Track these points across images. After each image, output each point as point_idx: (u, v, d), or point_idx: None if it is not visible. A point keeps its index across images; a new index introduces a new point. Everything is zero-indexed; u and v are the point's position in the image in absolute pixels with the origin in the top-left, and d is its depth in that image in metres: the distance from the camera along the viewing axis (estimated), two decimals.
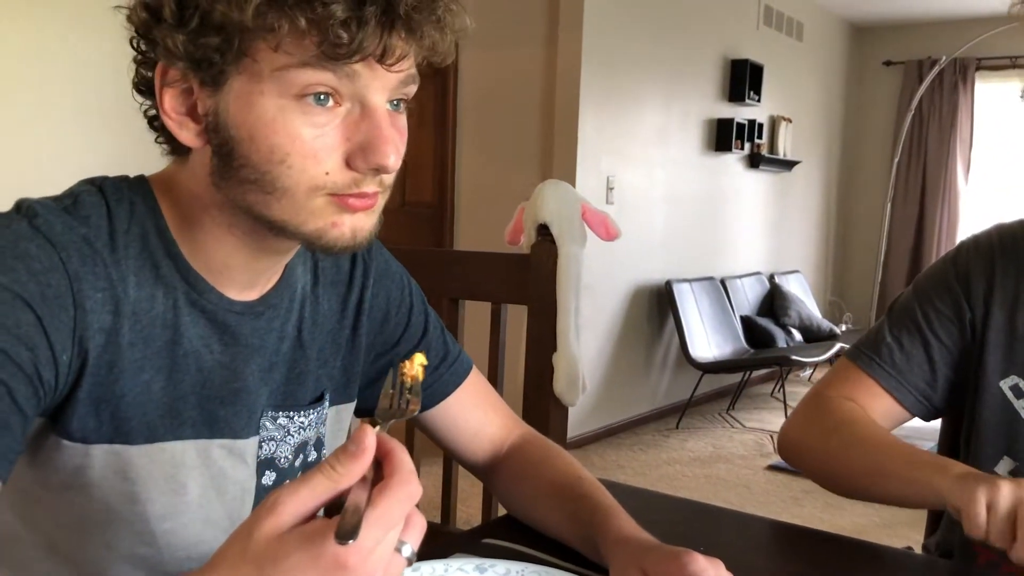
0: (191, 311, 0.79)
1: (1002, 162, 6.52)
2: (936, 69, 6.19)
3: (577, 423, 4.49)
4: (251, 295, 0.83)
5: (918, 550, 1.25)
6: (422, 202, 4.80)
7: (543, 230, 1.89)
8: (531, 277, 1.81)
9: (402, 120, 0.75)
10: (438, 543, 0.89)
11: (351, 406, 0.97)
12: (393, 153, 0.71)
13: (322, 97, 0.69)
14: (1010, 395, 1.07)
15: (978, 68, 6.58)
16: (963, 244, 1.17)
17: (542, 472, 0.98)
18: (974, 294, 1.10)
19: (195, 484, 0.81)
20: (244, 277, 0.81)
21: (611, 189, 4.62)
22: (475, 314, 1.88)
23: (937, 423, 1.28)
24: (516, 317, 1.84)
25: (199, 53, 0.68)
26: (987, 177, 6.67)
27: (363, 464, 0.55)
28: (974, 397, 1.10)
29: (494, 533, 0.95)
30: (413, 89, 0.74)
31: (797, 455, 1.17)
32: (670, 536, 0.83)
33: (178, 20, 0.68)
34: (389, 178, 0.75)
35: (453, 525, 1.82)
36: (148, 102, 0.75)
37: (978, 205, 6.59)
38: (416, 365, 0.63)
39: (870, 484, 1.06)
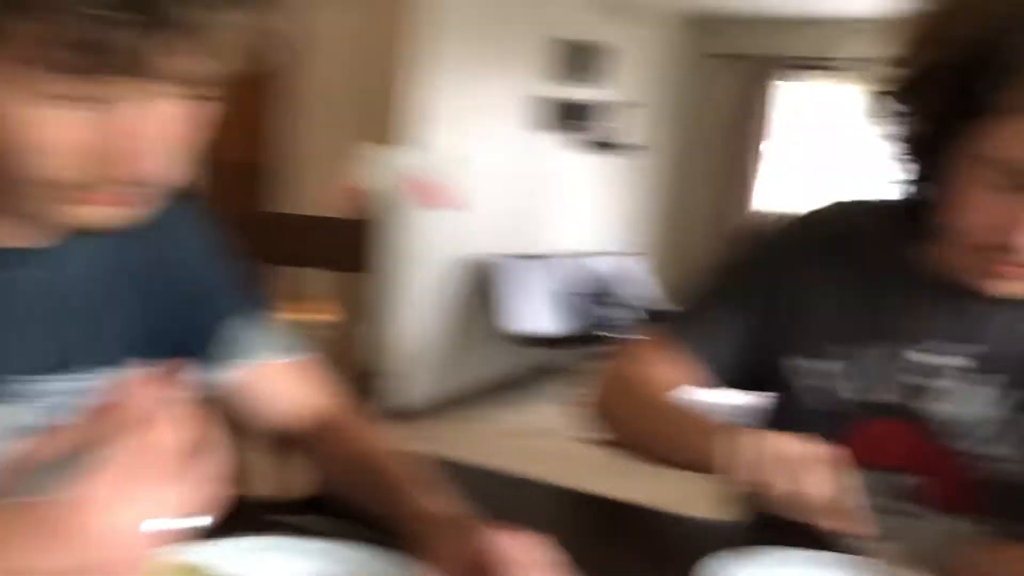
0: None
1: (808, 156, 6.95)
2: (759, 65, 6.51)
3: (402, 396, 4.44)
4: (34, 242, 0.73)
5: None
6: (243, 162, 4.58)
7: (374, 197, 1.82)
8: (357, 244, 1.75)
9: (189, 111, 0.64)
10: (232, 520, 0.82)
11: (150, 368, 0.88)
12: (150, 164, 0.62)
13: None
14: (819, 378, 1.10)
15: (792, 67, 6.97)
16: (778, 222, 1.19)
17: (348, 446, 0.94)
18: (784, 273, 1.12)
19: None
20: (21, 228, 0.71)
21: (443, 160, 4.57)
22: (298, 281, 1.79)
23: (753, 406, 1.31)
24: (342, 285, 1.78)
25: None
26: (795, 169, 7.10)
27: (99, 414, 0.51)
28: (785, 379, 1.12)
29: (295, 510, 0.89)
30: (214, 78, 0.63)
31: (599, 420, 1.18)
32: (483, 509, 0.80)
33: None
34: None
35: (249, 501, 1.74)
36: None
37: (793, 194, 6.99)
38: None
39: (657, 450, 1.08)
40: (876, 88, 1.00)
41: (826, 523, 0.86)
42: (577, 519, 1.06)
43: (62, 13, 0.53)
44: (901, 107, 0.99)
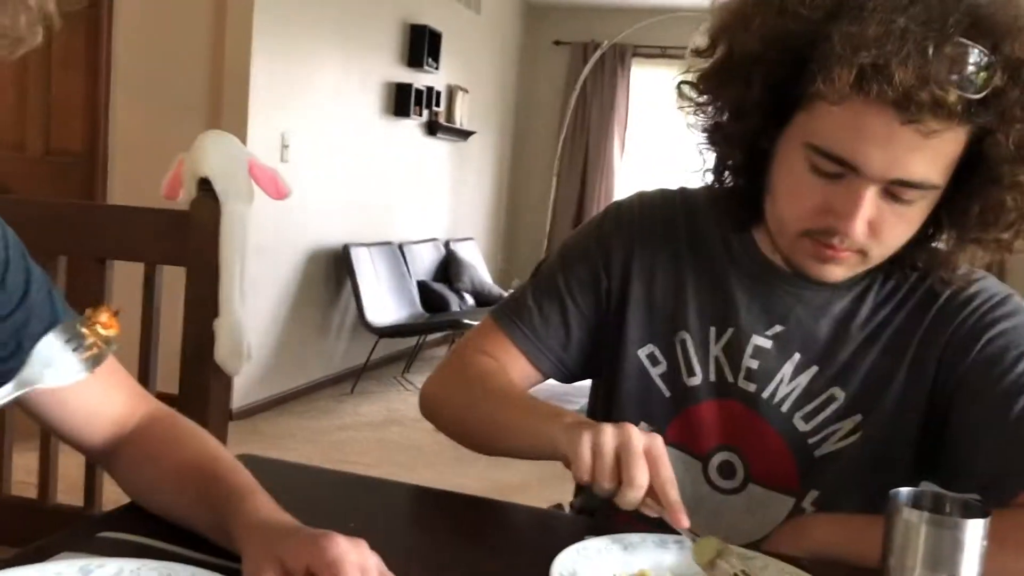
0: None
1: (652, 141, 7.16)
2: (598, 52, 6.64)
3: (246, 392, 4.30)
4: None
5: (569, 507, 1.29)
6: (69, 150, 4.29)
7: (205, 185, 1.73)
8: (191, 236, 1.66)
9: None
10: (39, 538, 0.75)
11: None
12: None
13: None
14: (647, 363, 1.12)
15: (634, 55, 7.16)
16: (607, 211, 1.20)
17: (170, 453, 0.87)
18: (613, 263, 1.13)
19: None
20: None
21: (286, 147, 4.43)
22: (127, 276, 1.69)
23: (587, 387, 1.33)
24: (173, 279, 1.69)
25: None
26: (640, 155, 7.31)
27: None
28: (614, 366, 1.13)
29: (114, 525, 0.82)
30: None
31: (434, 411, 1.17)
32: (324, 513, 0.77)
33: None
34: None
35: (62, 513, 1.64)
36: None
37: (631, 180, 7.19)
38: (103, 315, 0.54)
39: (494, 438, 1.07)
40: (688, 79, 1.02)
41: (649, 512, 0.86)
42: (430, 517, 1.03)
43: None
44: (710, 97, 1.01)
